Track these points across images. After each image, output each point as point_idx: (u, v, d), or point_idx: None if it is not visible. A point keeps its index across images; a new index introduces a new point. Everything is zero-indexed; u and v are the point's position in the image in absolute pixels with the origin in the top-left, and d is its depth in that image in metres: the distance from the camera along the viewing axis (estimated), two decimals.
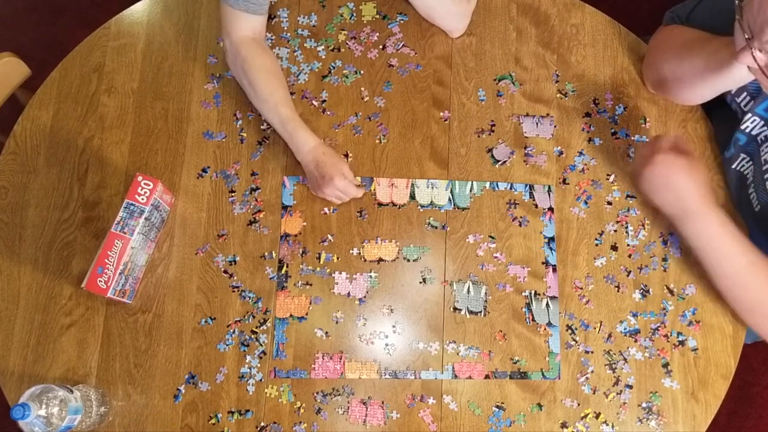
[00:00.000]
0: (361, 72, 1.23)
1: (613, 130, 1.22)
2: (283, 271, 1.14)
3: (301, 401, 1.09)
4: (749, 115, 1.07)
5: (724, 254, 1.02)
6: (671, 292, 1.15)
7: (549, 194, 1.18)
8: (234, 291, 1.13)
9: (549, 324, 1.13)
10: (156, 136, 1.19)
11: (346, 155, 1.19)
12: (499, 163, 1.20)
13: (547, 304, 1.14)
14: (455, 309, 1.13)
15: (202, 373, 1.09)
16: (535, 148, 1.20)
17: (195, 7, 1.25)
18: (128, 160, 1.18)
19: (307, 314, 1.12)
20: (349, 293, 1.13)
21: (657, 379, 1.12)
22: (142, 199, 1.03)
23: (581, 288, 1.15)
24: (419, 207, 1.17)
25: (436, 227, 1.16)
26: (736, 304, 1.06)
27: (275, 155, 1.18)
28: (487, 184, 1.18)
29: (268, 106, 1.12)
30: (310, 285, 1.13)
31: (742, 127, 1.09)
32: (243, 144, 1.19)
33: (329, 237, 1.15)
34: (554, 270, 1.15)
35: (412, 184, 1.18)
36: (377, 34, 1.25)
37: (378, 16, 1.26)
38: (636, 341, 1.13)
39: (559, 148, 1.21)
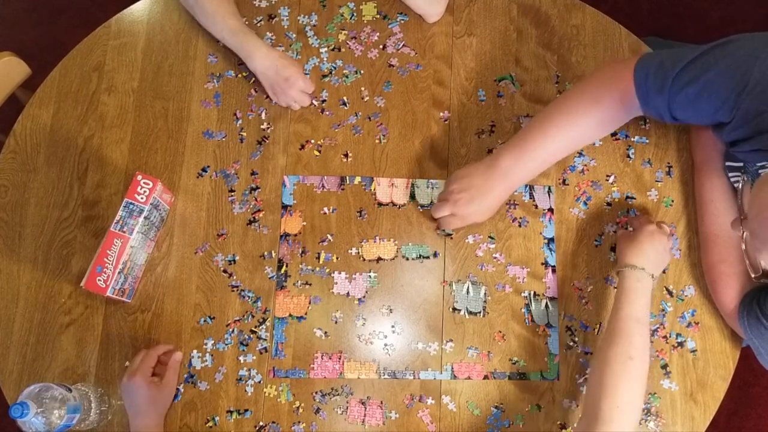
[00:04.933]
0: (361, 72, 1.23)
1: (612, 131, 1.21)
2: (282, 271, 1.14)
3: (300, 401, 1.09)
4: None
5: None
6: (670, 293, 1.15)
7: (549, 195, 1.18)
8: (233, 290, 1.13)
9: (548, 325, 1.13)
10: (156, 136, 1.19)
11: (346, 155, 1.19)
12: None
13: (547, 305, 1.14)
14: (454, 309, 1.13)
15: (201, 373, 1.09)
16: None
17: None
18: (128, 159, 1.18)
19: (306, 314, 1.12)
20: (348, 293, 1.13)
21: (656, 380, 1.12)
22: (142, 198, 1.03)
23: (581, 289, 1.15)
24: (419, 207, 1.17)
25: (450, 234, 1.16)
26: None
27: (275, 155, 1.19)
28: None
29: (216, 19, 1.15)
30: (310, 285, 1.13)
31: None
32: (243, 143, 1.19)
33: (329, 237, 1.15)
34: (554, 271, 1.15)
35: (412, 184, 1.18)
36: (377, 33, 1.25)
37: (378, 16, 1.26)
38: None
39: None
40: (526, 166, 1.07)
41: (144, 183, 1.04)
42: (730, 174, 1.09)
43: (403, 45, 1.24)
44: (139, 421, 1.02)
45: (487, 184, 1.07)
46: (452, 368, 1.11)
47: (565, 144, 1.07)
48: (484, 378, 1.11)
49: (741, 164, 1.05)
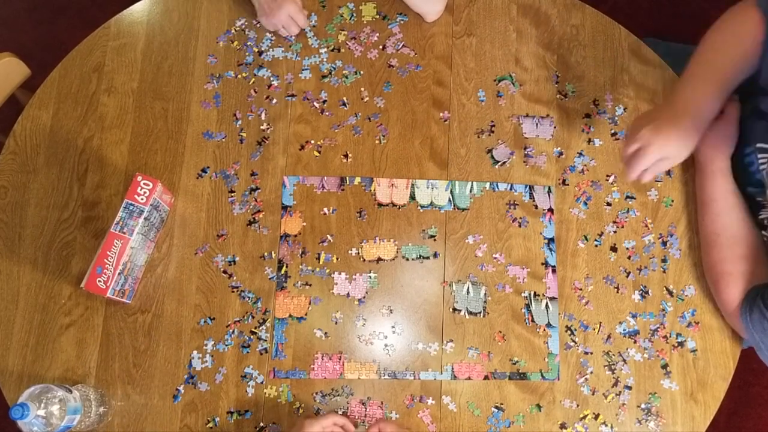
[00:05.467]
0: (361, 72, 1.23)
1: (612, 131, 1.22)
2: (282, 272, 1.14)
3: (301, 401, 1.09)
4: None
5: None
6: (670, 293, 1.15)
7: (549, 195, 1.18)
8: (233, 291, 1.13)
9: (548, 325, 1.13)
10: (156, 136, 1.19)
11: (346, 156, 1.19)
12: (499, 163, 1.20)
13: (547, 305, 1.14)
14: (454, 310, 1.13)
15: (201, 374, 1.09)
16: (534, 148, 1.20)
17: (195, 7, 1.25)
18: (128, 160, 1.18)
19: (306, 314, 1.12)
20: (348, 294, 1.13)
21: (656, 380, 1.12)
22: (142, 199, 1.03)
23: (581, 289, 1.15)
24: (419, 207, 1.17)
25: (433, 236, 1.16)
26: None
27: (275, 155, 1.18)
28: (487, 185, 1.18)
29: None
30: (310, 285, 1.13)
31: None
32: (243, 144, 1.19)
33: (329, 237, 1.15)
34: (554, 271, 1.15)
35: (412, 185, 1.18)
36: (377, 34, 1.25)
37: (378, 17, 1.26)
38: (635, 342, 1.13)
39: (558, 148, 1.21)
40: (699, 91, 1.04)
41: (144, 184, 1.04)
42: (760, 156, 1.08)
43: (403, 45, 1.24)
44: None
45: (675, 116, 1.02)
46: (452, 368, 1.11)
47: (722, 61, 1.06)
48: (485, 378, 1.11)
49: None
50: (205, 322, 1.11)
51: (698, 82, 1.05)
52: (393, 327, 1.12)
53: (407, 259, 1.15)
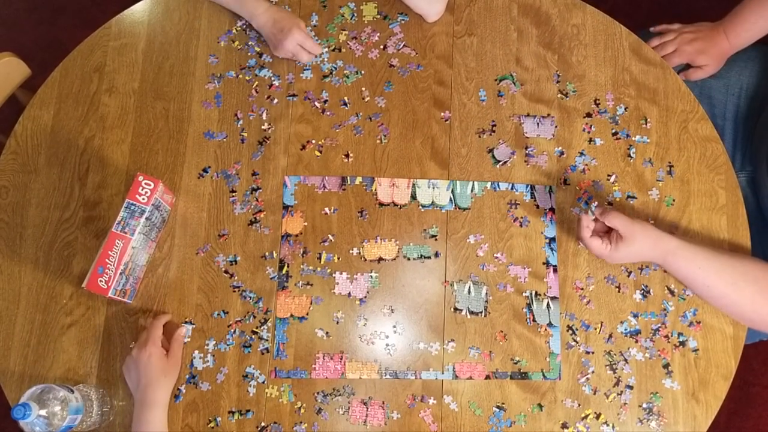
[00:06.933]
0: (362, 72, 1.23)
1: (614, 131, 1.22)
2: (283, 271, 1.14)
3: (302, 401, 1.09)
4: None
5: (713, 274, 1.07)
6: (672, 292, 1.15)
7: (550, 195, 1.18)
8: (235, 291, 1.13)
9: (550, 324, 1.13)
10: (157, 136, 1.19)
11: (347, 155, 1.19)
12: (500, 163, 1.20)
13: (548, 305, 1.14)
14: (456, 309, 1.13)
15: (202, 373, 1.09)
16: (536, 148, 1.20)
17: (196, 7, 1.25)
18: (129, 160, 1.18)
19: (307, 314, 1.12)
20: (349, 293, 1.13)
21: (657, 379, 1.12)
22: (143, 198, 1.03)
23: (582, 288, 1.15)
24: (420, 207, 1.17)
25: (435, 236, 1.16)
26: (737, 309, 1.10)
27: (276, 155, 1.18)
28: (489, 185, 1.18)
29: None
30: (311, 285, 1.13)
31: None
32: (244, 144, 1.19)
33: (330, 237, 1.15)
34: (555, 270, 1.15)
35: (414, 184, 1.18)
36: (378, 34, 1.25)
37: (379, 16, 1.26)
38: (637, 342, 1.13)
39: (560, 148, 1.21)
40: (743, 26, 1.29)
41: (145, 184, 1.04)
42: None
43: (404, 45, 1.24)
44: (151, 393, 1.01)
45: (712, 36, 1.32)
46: (454, 368, 1.11)
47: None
48: (486, 378, 1.11)
49: None
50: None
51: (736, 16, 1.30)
52: (394, 327, 1.12)
53: (408, 259, 1.15)
